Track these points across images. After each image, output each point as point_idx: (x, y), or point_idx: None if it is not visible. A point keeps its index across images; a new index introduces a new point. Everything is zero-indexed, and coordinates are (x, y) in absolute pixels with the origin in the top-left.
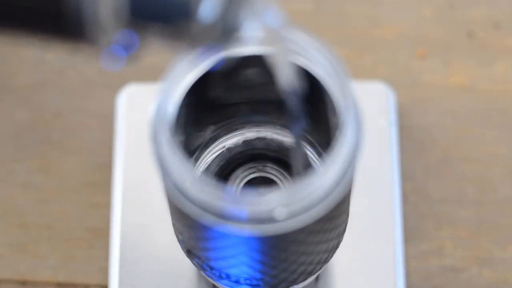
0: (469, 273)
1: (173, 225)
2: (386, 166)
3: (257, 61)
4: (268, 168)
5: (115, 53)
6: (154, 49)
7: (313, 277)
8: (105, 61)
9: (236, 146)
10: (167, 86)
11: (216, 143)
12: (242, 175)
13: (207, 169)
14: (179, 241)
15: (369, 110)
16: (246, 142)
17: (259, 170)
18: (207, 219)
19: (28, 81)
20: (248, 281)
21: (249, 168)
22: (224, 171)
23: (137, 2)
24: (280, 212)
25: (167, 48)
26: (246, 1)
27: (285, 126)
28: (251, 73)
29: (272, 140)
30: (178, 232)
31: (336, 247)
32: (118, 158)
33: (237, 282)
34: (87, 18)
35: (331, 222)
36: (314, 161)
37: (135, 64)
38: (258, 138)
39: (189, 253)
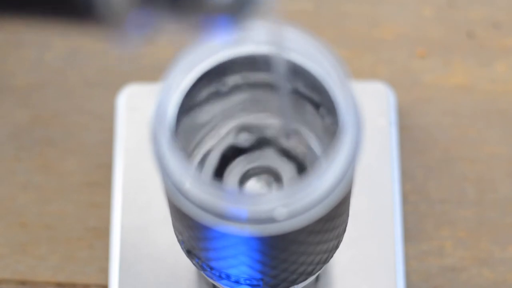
0: (469, 273)
1: (173, 225)
2: (386, 166)
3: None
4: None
5: (129, 34)
6: (154, 48)
7: (313, 277)
8: (119, 43)
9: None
10: (167, 86)
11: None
12: (241, 166)
13: (206, 161)
14: (179, 241)
15: (369, 110)
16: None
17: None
18: (207, 219)
19: (28, 81)
20: (248, 281)
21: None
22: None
23: None
24: (280, 212)
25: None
26: None
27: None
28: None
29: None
30: (178, 232)
31: (336, 247)
32: (118, 158)
33: (237, 282)
34: None
35: (331, 222)
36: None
37: (135, 64)
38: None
39: (189, 253)
